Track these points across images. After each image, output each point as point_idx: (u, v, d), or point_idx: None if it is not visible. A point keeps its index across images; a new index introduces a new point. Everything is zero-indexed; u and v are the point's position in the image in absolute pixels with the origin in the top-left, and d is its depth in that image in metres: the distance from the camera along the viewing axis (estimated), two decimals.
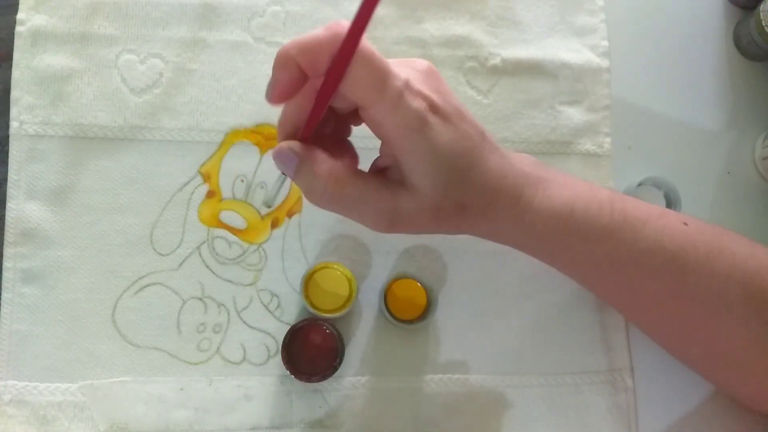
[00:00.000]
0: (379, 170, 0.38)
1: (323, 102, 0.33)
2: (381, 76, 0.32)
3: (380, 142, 0.36)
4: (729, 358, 0.40)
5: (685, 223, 0.39)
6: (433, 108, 0.34)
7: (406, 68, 0.35)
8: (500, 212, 0.37)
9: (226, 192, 0.45)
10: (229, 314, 0.44)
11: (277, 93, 0.34)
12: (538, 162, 0.40)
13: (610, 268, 0.39)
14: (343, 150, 0.38)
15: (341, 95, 0.33)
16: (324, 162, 0.34)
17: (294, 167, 0.34)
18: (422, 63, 0.36)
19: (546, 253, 0.41)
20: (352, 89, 0.32)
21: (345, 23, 0.31)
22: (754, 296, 0.38)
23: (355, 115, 0.35)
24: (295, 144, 0.35)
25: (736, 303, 0.38)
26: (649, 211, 0.39)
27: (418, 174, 0.35)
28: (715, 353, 0.41)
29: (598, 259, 0.39)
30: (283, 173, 0.36)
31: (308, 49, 0.32)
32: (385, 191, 0.35)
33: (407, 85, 0.33)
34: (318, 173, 0.34)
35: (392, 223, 0.36)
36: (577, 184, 0.39)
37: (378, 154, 0.38)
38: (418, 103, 0.33)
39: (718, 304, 0.38)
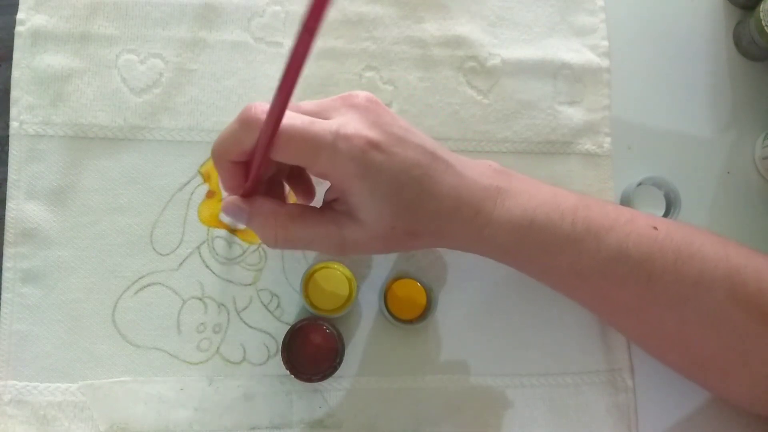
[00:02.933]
0: (329, 201, 0.38)
1: (257, 176, 0.35)
2: (309, 141, 0.33)
3: None
4: (705, 364, 0.40)
5: (655, 228, 0.38)
6: (373, 145, 0.34)
7: (341, 108, 0.35)
8: (456, 231, 0.37)
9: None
10: (229, 314, 0.44)
11: (228, 188, 0.37)
12: (501, 169, 0.40)
13: (575, 277, 0.39)
14: (300, 185, 0.41)
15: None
16: (269, 215, 0.36)
17: (244, 220, 0.37)
18: (359, 97, 0.36)
19: (510, 262, 0.40)
20: (287, 160, 0.34)
21: (254, 107, 0.33)
22: (724, 301, 0.37)
23: None
24: (238, 200, 0.36)
25: (705, 309, 0.38)
26: (617, 217, 0.39)
27: (364, 210, 0.35)
28: (691, 359, 0.41)
29: (562, 269, 0.39)
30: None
31: (229, 146, 0.34)
32: (331, 226, 0.36)
33: (338, 134, 0.33)
34: (265, 225, 0.36)
35: (342, 250, 0.37)
36: (541, 192, 0.39)
37: None
38: (354, 148, 0.33)
39: (688, 311, 0.38)
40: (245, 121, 0.33)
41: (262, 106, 0.33)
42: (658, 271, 0.37)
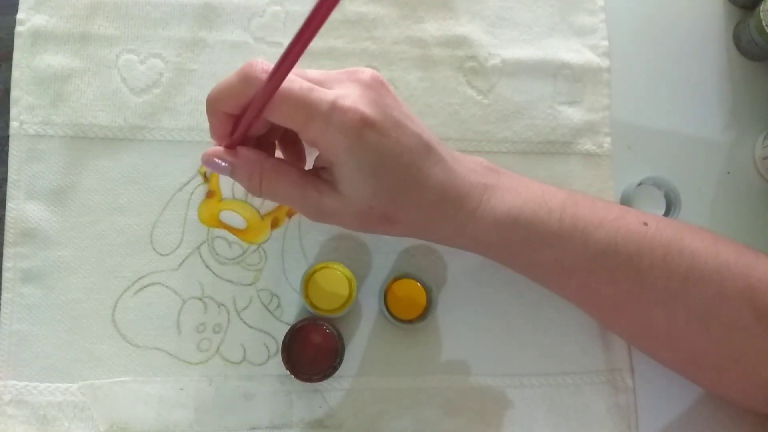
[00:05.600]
0: (317, 167, 0.38)
1: (244, 131, 0.35)
2: (304, 106, 0.33)
3: None
4: (697, 361, 0.40)
5: (645, 223, 0.38)
6: (367, 122, 0.34)
7: (345, 82, 0.35)
8: (437, 225, 0.37)
9: (226, 192, 0.45)
10: (229, 314, 0.44)
11: (216, 137, 0.37)
12: (491, 167, 0.40)
13: (562, 272, 0.39)
14: (292, 149, 0.41)
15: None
16: (255, 164, 0.36)
17: (226, 171, 0.37)
18: (365, 73, 0.36)
19: (494, 257, 0.40)
20: (280, 121, 0.34)
21: (256, 65, 0.33)
22: (713, 297, 0.37)
23: None
24: (219, 151, 0.37)
25: (695, 305, 0.37)
26: (606, 213, 0.39)
27: (345, 184, 0.35)
28: (683, 356, 0.41)
29: (548, 265, 0.39)
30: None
31: (225, 97, 0.35)
32: (311, 190, 0.36)
33: (334, 106, 0.33)
34: (251, 174, 0.36)
35: (317, 217, 0.37)
36: (529, 189, 0.39)
37: None
38: (347, 123, 0.33)
39: (677, 306, 0.38)
40: (245, 77, 0.34)
41: (264, 65, 0.33)
42: (647, 266, 0.37)
